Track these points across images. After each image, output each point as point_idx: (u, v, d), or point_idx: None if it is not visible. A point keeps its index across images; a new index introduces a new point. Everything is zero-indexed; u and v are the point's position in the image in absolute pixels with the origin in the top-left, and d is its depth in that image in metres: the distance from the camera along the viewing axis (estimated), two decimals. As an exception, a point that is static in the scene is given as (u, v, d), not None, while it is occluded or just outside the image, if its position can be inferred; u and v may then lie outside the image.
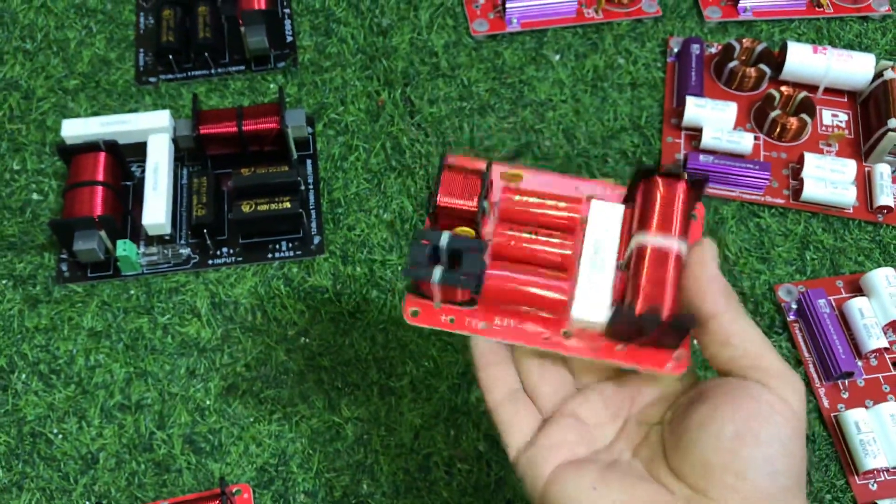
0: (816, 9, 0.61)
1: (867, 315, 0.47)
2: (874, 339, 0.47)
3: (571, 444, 0.32)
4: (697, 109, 0.54)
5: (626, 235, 0.33)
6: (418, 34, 0.59)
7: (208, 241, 0.50)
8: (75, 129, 0.52)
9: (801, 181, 0.52)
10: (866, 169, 0.54)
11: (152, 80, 0.57)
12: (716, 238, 0.52)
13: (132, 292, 0.50)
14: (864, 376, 0.47)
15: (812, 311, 0.48)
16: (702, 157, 0.53)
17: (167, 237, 0.51)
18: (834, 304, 0.49)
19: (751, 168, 0.52)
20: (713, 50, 0.59)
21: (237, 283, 0.50)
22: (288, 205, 0.49)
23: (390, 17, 0.60)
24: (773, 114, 0.54)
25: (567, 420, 0.33)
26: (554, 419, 0.33)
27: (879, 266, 0.50)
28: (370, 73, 0.58)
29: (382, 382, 0.47)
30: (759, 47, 0.56)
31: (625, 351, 0.32)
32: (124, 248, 0.48)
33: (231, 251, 0.51)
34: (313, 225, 0.52)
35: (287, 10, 0.60)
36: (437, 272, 0.31)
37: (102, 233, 0.48)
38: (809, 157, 0.52)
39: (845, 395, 0.47)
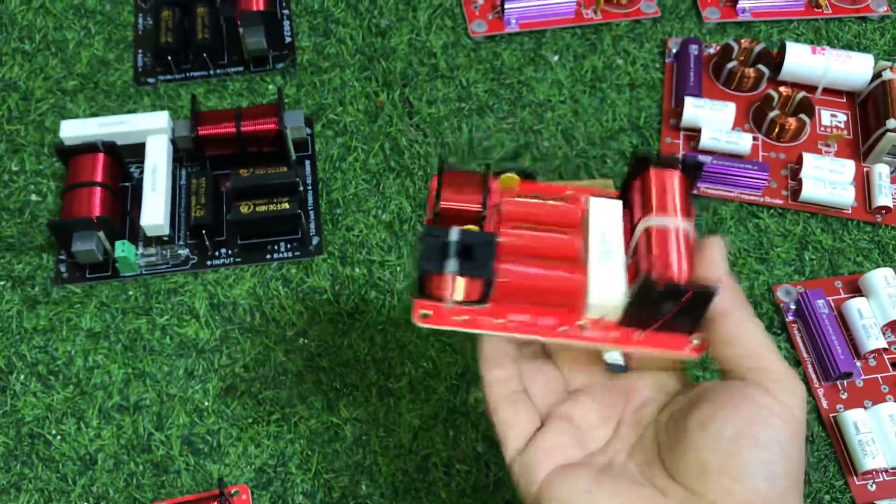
0: (815, 9, 0.61)
1: (866, 315, 0.47)
2: (873, 340, 0.47)
3: (565, 448, 0.32)
4: (696, 110, 0.54)
5: (627, 230, 0.33)
6: (417, 35, 0.59)
7: (207, 242, 0.50)
8: (74, 130, 0.52)
9: (800, 181, 0.52)
10: (865, 169, 0.54)
11: (151, 80, 0.57)
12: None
13: (131, 293, 0.50)
14: (863, 377, 0.47)
15: (811, 312, 0.48)
16: (700, 158, 0.53)
17: (166, 238, 0.51)
18: (833, 305, 0.49)
19: (749, 168, 0.52)
20: (712, 50, 0.59)
21: (236, 284, 0.50)
22: (286, 206, 0.49)
23: (389, 17, 0.60)
24: (772, 114, 0.54)
25: (560, 423, 0.33)
26: (548, 422, 0.33)
27: (878, 266, 0.50)
28: (369, 74, 0.58)
29: (381, 383, 0.47)
30: (758, 48, 0.57)
31: (642, 337, 0.32)
32: (123, 248, 0.48)
33: (229, 252, 0.51)
34: (312, 226, 0.51)
35: (286, 11, 0.60)
36: (452, 263, 0.30)
37: (101, 234, 0.48)
38: (808, 158, 0.52)
39: (844, 396, 0.47)
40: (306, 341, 0.48)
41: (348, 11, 0.60)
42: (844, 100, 0.57)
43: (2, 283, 0.50)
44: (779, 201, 0.53)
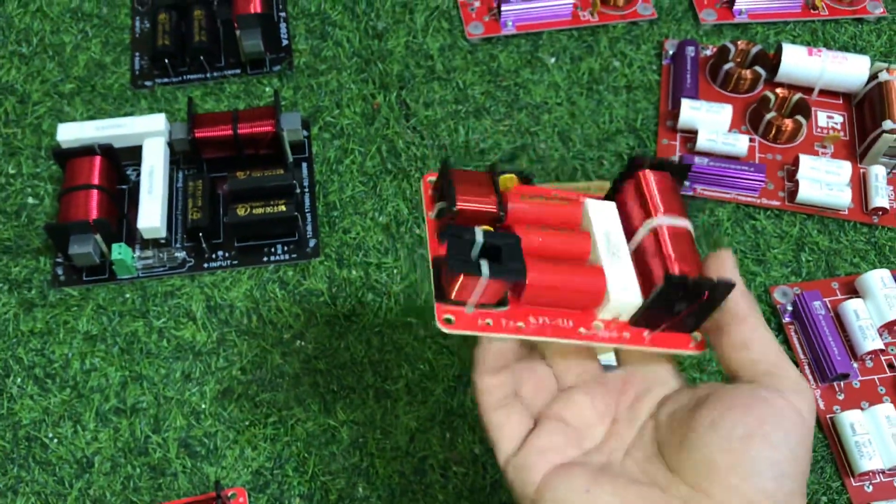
0: (811, 11, 0.61)
1: (862, 317, 0.47)
2: (869, 341, 0.47)
3: (561, 447, 0.32)
4: (692, 112, 0.54)
5: (625, 228, 0.33)
6: (413, 37, 0.59)
7: (204, 245, 0.50)
8: (71, 132, 0.52)
9: (797, 183, 0.52)
10: (861, 171, 0.54)
11: (148, 83, 0.57)
12: (712, 240, 0.52)
13: (127, 296, 0.50)
14: (860, 378, 0.47)
15: (807, 313, 0.48)
16: (697, 160, 0.53)
17: (162, 241, 0.51)
18: (829, 306, 0.49)
19: (746, 170, 0.52)
20: (708, 52, 0.59)
21: (232, 287, 0.50)
22: (283, 208, 0.49)
23: (386, 20, 0.60)
24: (769, 116, 0.54)
25: (554, 423, 0.33)
26: (541, 422, 0.33)
27: (875, 268, 0.50)
28: (366, 77, 0.58)
29: (378, 385, 0.47)
30: (755, 49, 0.57)
31: (650, 337, 0.32)
32: (120, 251, 0.48)
33: (226, 254, 0.51)
34: (309, 228, 0.52)
35: (282, 14, 0.60)
36: (485, 266, 0.29)
37: (98, 236, 0.48)
38: (805, 159, 0.53)
39: (841, 397, 0.47)
40: (303, 344, 0.48)
41: (345, 14, 0.60)
42: (841, 101, 0.57)
43: (-1, 286, 0.50)
44: (775, 203, 0.53)
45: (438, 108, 0.56)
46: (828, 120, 0.56)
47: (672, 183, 0.33)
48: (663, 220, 0.32)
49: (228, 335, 0.48)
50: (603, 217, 0.33)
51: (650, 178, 0.33)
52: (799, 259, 0.51)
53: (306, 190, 0.53)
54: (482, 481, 0.45)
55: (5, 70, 0.58)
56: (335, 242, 0.51)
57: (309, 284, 0.50)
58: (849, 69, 0.55)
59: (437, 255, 0.31)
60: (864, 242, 0.52)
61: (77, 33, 0.59)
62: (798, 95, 0.55)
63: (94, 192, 0.49)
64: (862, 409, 0.46)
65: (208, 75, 0.57)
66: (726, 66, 0.56)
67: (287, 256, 0.51)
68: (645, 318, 0.32)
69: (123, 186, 0.53)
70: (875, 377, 0.47)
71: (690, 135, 0.55)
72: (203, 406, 0.47)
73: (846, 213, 0.53)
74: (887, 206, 0.52)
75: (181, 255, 0.50)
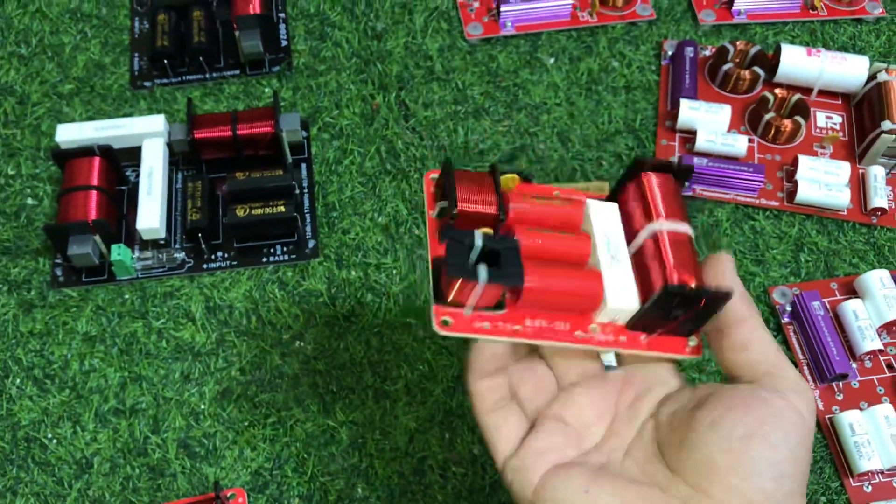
0: (810, 11, 0.61)
1: (861, 317, 0.47)
2: (868, 341, 0.47)
3: (560, 447, 0.32)
4: (691, 112, 0.54)
5: (626, 230, 0.33)
6: (413, 38, 0.59)
7: (203, 246, 0.50)
8: (70, 133, 0.52)
9: (796, 183, 0.52)
10: (860, 171, 0.54)
11: (147, 84, 0.57)
12: (711, 240, 0.52)
13: (127, 297, 0.50)
14: (859, 378, 0.47)
15: (806, 314, 0.48)
16: (696, 160, 0.53)
17: (162, 241, 0.51)
18: (828, 306, 0.49)
19: (745, 170, 0.52)
20: (707, 53, 0.59)
21: (232, 288, 0.50)
22: (282, 209, 0.49)
23: (385, 20, 0.60)
24: (767, 116, 0.54)
25: (552, 423, 0.32)
26: (539, 423, 0.33)
27: (874, 268, 0.50)
28: (365, 77, 0.58)
29: (377, 386, 0.47)
30: (753, 50, 0.57)
31: (647, 341, 0.32)
32: (119, 252, 0.48)
33: (225, 255, 0.51)
34: (308, 229, 0.52)
35: (282, 15, 0.60)
36: (483, 271, 0.29)
37: (97, 237, 0.48)
38: (803, 160, 0.53)
39: (840, 397, 0.47)
40: (302, 344, 0.48)
41: (344, 15, 0.60)
42: (840, 102, 0.57)
43: (-2, 286, 0.50)
44: (774, 203, 0.53)
45: (437, 108, 0.56)
46: (827, 120, 0.56)
47: (675, 186, 0.33)
48: (664, 226, 0.32)
49: (227, 336, 0.49)
50: (604, 219, 0.33)
51: (653, 182, 0.33)
52: (798, 259, 0.51)
53: (305, 190, 0.53)
54: (481, 482, 0.45)
55: (4, 71, 0.58)
56: (334, 243, 0.51)
57: (308, 285, 0.50)
58: (848, 69, 0.55)
59: (437, 256, 0.31)
60: (863, 243, 0.52)
61: (76, 34, 0.59)
62: (797, 96, 0.55)
63: (94, 192, 0.49)
64: (861, 409, 0.46)
65: (207, 76, 0.57)
66: (725, 67, 0.56)
67: (286, 257, 0.51)
68: (642, 323, 0.32)
69: (122, 187, 0.53)
70: (874, 377, 0.47)
71: (689, 135, 0.55)
72: (202, 407, 0.47)
73: (845, 213, 0.53)
74: (886, 206, 0.52)
75: (180, 255, 0.50)
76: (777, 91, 0.56)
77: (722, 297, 0.31)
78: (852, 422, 0.45)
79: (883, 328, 0.48)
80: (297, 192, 0.51)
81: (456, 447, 0.46)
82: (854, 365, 0.47)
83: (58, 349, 0.48)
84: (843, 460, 0.45)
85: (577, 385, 0.34)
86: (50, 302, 0.49)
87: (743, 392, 0.30)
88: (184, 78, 0.57)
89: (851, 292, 0.50)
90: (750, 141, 0.55)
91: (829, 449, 0.46)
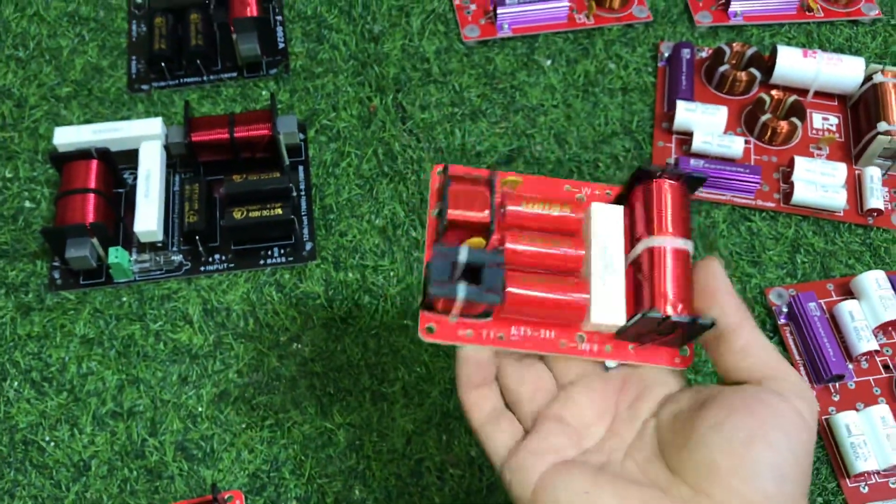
0: (806, 13, 0.61)
1: (857, 318, 0.47)
2: (864, 342, 0.47)
3: (559, 447, 0.32)
4: (688, 113, 0.54)
5: (627, 231, 0.33)
6: (410, 40, 0.59)
7: (200, 248, 0.51)
8: (67, 136, 0.52)
9: (792, 185, 0.52)
10: (857, 172, 0.54)
11: (144, 87, 0.57)
12: (707, 242, 0.52)
13: (124, 299, 0.50)
14: (855, 379, 0.47)
15: (802, 315, 0.48)
16: (692, 161, 0.53)
17: (159, 244, 0.51)
18: (824, 308, 0.49)
19: (741, 172, 0.52)
20: (704, 54, 0.59)
21: (229, 290, 0.50)
22: (280, 211, 0.49)
23: (382, 23, 0.60)
24: (764, 117, 0.54)
25: (551, 423, 0.32)
26: (538, 423, 0.33)
27: (870, 269, 0.50)
28: (362, 80, 0.58)
29: (374, 388, 0.47)
30: (750, 51, 0.57)
31: (635, 351, 0.32)
32: (116, 255, 0.49)
33: (223, 258, 0.51)
34: (305, 231, 0.52)
35: (279, 17, 0.60)
36: (461, 289, 0.30)
37: (94, 240, 0.49)
38: (800, 161, 0.53)
39: (836, 398, 0.47)
40: (300, 346, 0.48)
41: (341, 17, 0.60)
42: (836, 103, 0.57)
43: (-4, 289, 0.50)
44: (771, 204, 0.53)
45: (435, 110, 0.56)
46: (823, 122, 0.56)
47: (683, 197, 0.33)
48: (665, 241, 0.32)
49: (225, 338, 0.49)
50: (606, 224, 0.33)
51: (664, 191, 0.32)
52: (794, 261, 0.52)
53: (303, 193, 0.53)
54: (479, 483, 0.45)
55: (2, 74, 0.58)
56: (331, 245, 0.51)
57: (305, 287, 0.50)
58: (844, 71, 0.55)
59: (429, 262, 0.31)
60: (860, 244, 0.52)
61: (74, 37, 0.59)
62: (793, 97, 0.55)
63: (91, 195, 0.49)
64: (857, 410, 0.46)
65: (205, 79, 0.57)
66: (721, 68, 0.56)
67: (283, 259, 0.51)
68: (628, 336, 0.32)
69: (120, 190, 0.53)
70: (870, 378, 0.47)
71: (686, 137, 0.55)
72: (200, 409, 0.47)
73: (841, 214, 0.53)
74: (882, 207, 0.52)
75: (178, 258, 0.51)
76: (773, 92, 0.56)
77: (699, 329, 0.31)
78: (849, 423, 0.45)
79: (879, 329, 0.48)
80: (295, 194, 0.52)
81: (453, 449, 0.46)
82: (850, 366, 0.47)
83: (55, 352, 0.48)
84: (839, 461, 0.45)
85: (577, 385, 0.34)
86: (47, 305, 0.49)
87: (745, 394, 0.30)
88: (181, 81, 0.57)
89: (848, 293, 0.50)
90: (746, 142, 0.55)
91: (826, 450, 0.46)
